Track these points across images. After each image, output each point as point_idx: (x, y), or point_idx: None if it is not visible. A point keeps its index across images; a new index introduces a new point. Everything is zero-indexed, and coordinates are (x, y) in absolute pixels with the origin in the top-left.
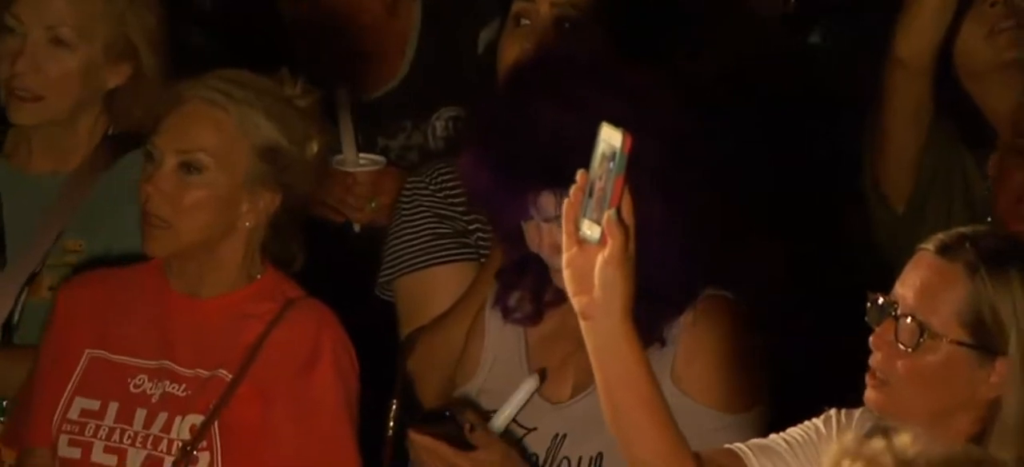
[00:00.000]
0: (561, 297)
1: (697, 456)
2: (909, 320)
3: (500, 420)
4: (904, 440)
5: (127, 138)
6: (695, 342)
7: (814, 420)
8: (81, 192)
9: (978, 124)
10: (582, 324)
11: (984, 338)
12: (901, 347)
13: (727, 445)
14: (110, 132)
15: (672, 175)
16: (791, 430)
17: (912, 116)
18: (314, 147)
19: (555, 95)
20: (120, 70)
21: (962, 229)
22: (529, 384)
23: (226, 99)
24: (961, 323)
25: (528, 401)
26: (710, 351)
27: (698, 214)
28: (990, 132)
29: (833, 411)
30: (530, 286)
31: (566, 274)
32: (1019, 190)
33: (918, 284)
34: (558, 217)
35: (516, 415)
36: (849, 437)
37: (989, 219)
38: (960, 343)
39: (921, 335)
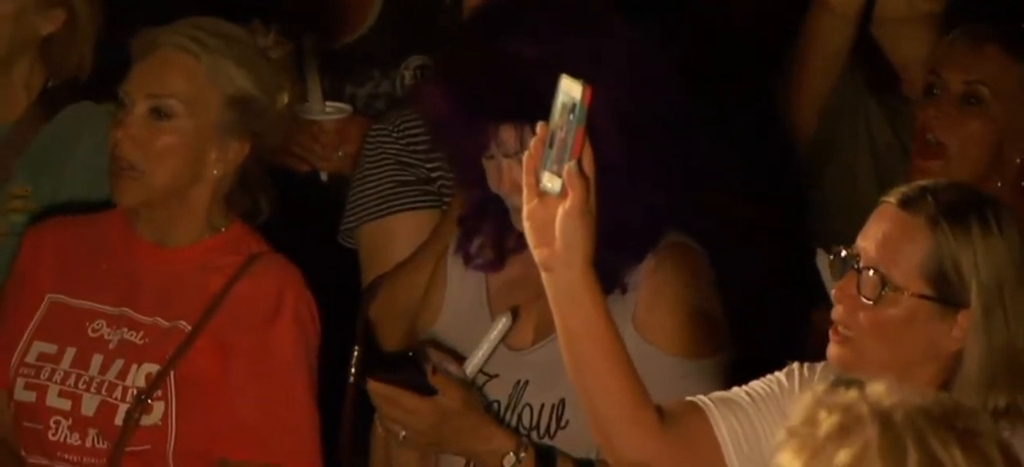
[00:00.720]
0: (523, 243)
1: (658, 408)
2: (871, 273)
3: (474, 362)
4: (878, 390)
5: (66, 90)
6: (657, 288)
7: (777, 373)
8: (24, 141)
9: (882, 71)
10: (543, 276)
11: (946, 291)
12: (863, 300)
13: (689, 398)
14: (49, 85)
15: (634, 117)
16: (754, 383)
17: (833, 61)
18: (284, 98)
19: (517, 28)
20: (53, 16)
21: (923, 182)
22: (501, 323)
23: (197, 46)
24: (923, 276)
25: (502, 341)
26: (672, 297)
27: (660, 158)
28: (893, 79)
29: (796, 364)
30: (491, 232)
31: (527, 226)
32: (918, 132)
33: (880, 237)
34: (519, 152)
35: (492, 354)
36: (820, 387)
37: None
38: (922, 296)
39: (883, 288)
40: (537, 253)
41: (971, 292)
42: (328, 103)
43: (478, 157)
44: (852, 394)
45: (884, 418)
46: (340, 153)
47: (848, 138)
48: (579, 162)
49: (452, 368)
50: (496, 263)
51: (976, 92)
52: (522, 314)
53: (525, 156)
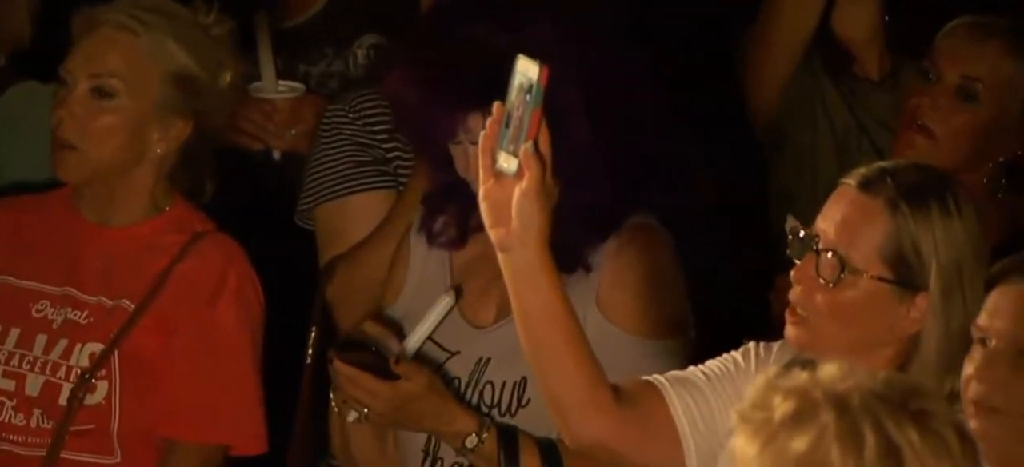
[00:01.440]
0: None
1: (615, 388)
2: (830, 255)
3: (415, 339)
4: (831, 373)
5: (12, 70)
6: (620, 268)
7: (733, 353)
8: None
9: (835, 52)
10: (499, 256)
11: (905, 274)
12: (822, 282)
13: (645, 377)
14: None
15: (601, 99)
16: (709, 363)
17: (800, 43)
18: (228, 76)
19: (487, 15)
20: None
21: (883, 163)
22: (444, 301)
23: (137, 24)
24: (882, 259)
25: (444, 318)
26: (635, 278)
27: (626, 139)
28: (847, 60)
29: (752, 344)
30: (455, 211)
31: (483, 206)
32: (908, 115)
33: (839, 219)
34: None
35: (432, 332)
36: (772, 371)
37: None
38: (881, 279)
39: (842, 270)
40: (493, 233)
41: (930, 275)
42: (281, 81)
43: (445, 143)
44: (804, 378)
45: (839, 403)
46: (293, 132)
47: (807, 120)
48: (536, 143)
49: (393, 345)
50: (459, 241)
51: (972, 88)
52: (484, 292)
53: (481, 136)
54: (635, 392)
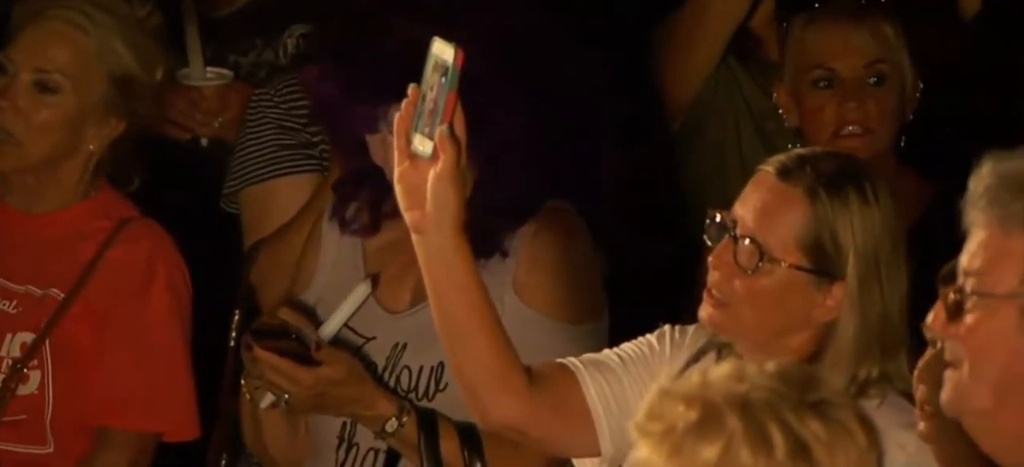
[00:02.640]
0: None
1: (528, 370)
2: (748, 242)
3: (331, 326)
4: (724, 374)
5: None
6: (537, 253)
7: (648, 336)
8: None
9: (744, 37)
10: (414, 238)
11: (822, 262)
12: (739, 268)
13: (560, 360)
14: None
15: (513, 83)
16: (625, 346)
17: (726, 37)
18: (160, 73)
19: (409, 7)
20: None
21: (802, 151)
22: (360, 289)
23: (89, 23)
24: (799, 247)
25: (361, 306)
26: (552, 262)
27: (544, 125)
28: (755, 43)
29: (667, 327)
30: (368, 197)
31: (398, 189)
32: (833, 126)
33: (758, 206)
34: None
35: (348, 320)
36: (664, 380)
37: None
38: (798, 267)
39: (760, 259)
40: (408, 216)
41: (847, 263)
42: (209, 69)
43: (363, 133)
44: (698, 383)
45: (742, 405)
46: (221, 119)
47: (727, 108)
48: (451, 125)
49: (309, 331)
50: (372, 228)
51: (879, 71)
52: (398, 278)
53: (396, 118)
54: (549, 374)
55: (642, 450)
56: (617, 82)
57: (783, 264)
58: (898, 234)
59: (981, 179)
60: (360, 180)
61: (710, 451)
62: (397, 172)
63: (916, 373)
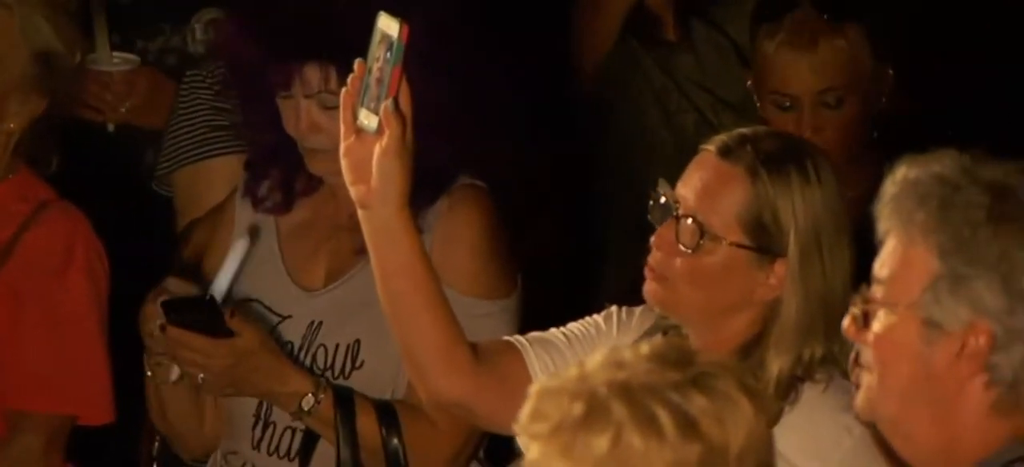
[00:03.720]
0: (312, 186)
1: (473, 347)
2: (690, 221)
3: (218, 287)
4: (600, 364)
5: None
6: (451, 230)
7: (595, 316)
8: None
9: (642, 16)
10: (359, 213)
11: (763, 240)
12: (681, 248)
13: (506, 337)
14: None
15: (434, 60)
16: (571, 325)
17: (625, 9)
18: (79, 54)
19: None
20: None
21: (743, 130)
22: (240, 244)
23: None
24: (741, 225)
25: (243, 262)
26: (467, 239)
27: (456, 101)
28: (653, 23)
29: (614, 308)
30: (280, 175)
31: (344, 163)
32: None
33: (699, 185)
34: (321, 92)
35: (234, 279)
36: (542, 380)
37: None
38: (739, 245)
39: (701, 237)
40: (353, 190)
41: (789, 241)
42: (115, 54)
43: (274, 98)
44: (575, 376)
45: (624, 392)
46: (128, 104)
47: (629, 86)
48: (396, 100)
49: (214, 292)
50: (284, 206)
51: (836, 95)
52: (313, 256)
53: (342, 93)
54: (494, 351)
55: (532, 452)
56: (532, 59)
57: (724, 242)
58: (841, 213)
59: (890, 186)
60: (272, 157)
61: (601, 442)
62: (343, 147)
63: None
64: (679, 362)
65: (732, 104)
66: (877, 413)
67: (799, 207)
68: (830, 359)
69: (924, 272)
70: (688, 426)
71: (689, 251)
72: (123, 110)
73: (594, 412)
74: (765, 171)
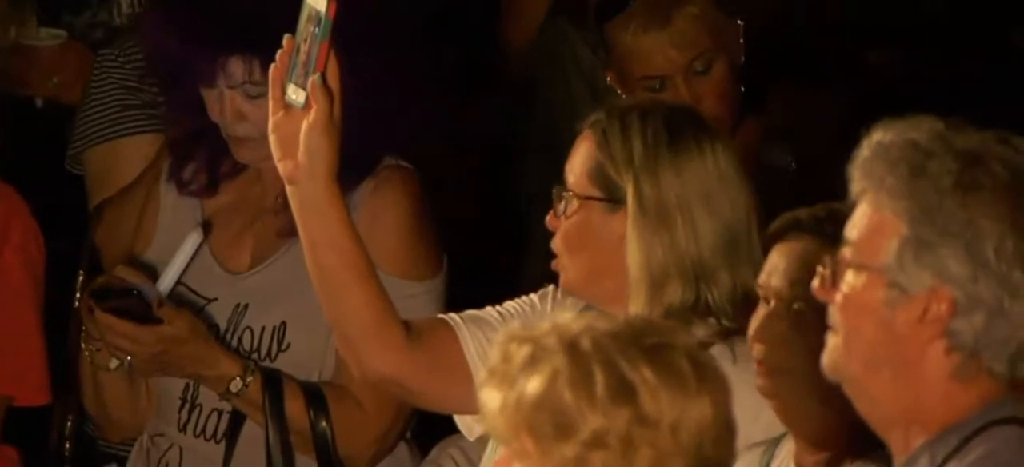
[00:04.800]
0: (238, 169)
1: (406, 324)
2: (562, 192)
3: (168, 280)
4: (566, 319)
5: None
6: (376, 210)
7: (532, 295)
8: None
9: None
10: (288, 188)
11: (610, 190)
12: (561, 220)
13: (440, 315)
14: None
15: (357, 39)
16: (507, 303)
17: None
18: (13, 31)
19: None
20: None
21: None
22: (192, 239)
23: None
24: (590, 178)
25: (194, 257)
26: (392, 219)
27: (381, 82)
28: (581, 3)
29: (551, 288)
30: (205, 157)
31: (272, 139)
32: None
33: (572, 158)
34: (245, 83)
35: (184, 271)
36: (515, 324)
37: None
38: (589, 197)
39: (563, 199)
40: (281, 166)
41: (628, 188)
42: (43, 29)
43: (197, 86)
44: (545, 326)
45: (571, 345)
46: (56, 79)
47: (558, 66)
48: (323, 75)
49: (147, 288)
50: (209, 189)
51: (704, 61)
52: (238, 239)
53: (271, 68)
54: (427, 329)
55: (484, 394)
56: (459, 39)
57: (577, 199)
58: (712, 178)
59: (863, 149)
60: (196, 140)
61: (534, 385)
62: (271, 122)
63: (751, 332)
64: (644, 332)
65: None
66: (841, 373)
67: (639, 153)
68: (704, 310)
69: (891, 236)
70: (622, 392)
71: (560, 219)
72: (51, 85)
73: (537, 358)
74: (607, 121)
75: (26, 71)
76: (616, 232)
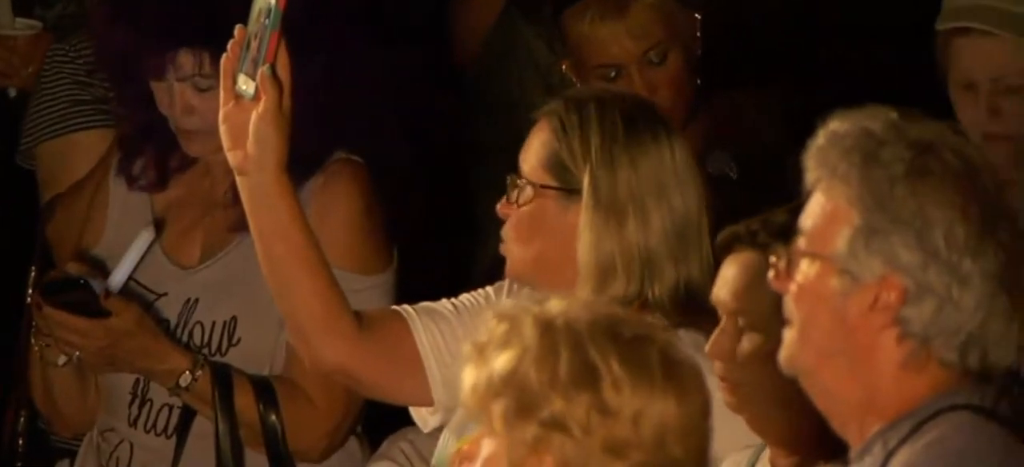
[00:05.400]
0: (187, 163)
1: (358, 315)
2: (517, 180)
3: (119, 276)
4: (552, 302)
5: None
6: (327, 205)
7: (487, 287)
8: None
9: None
10: (238, 179)
11: (565, 179)
12: (515, 208)
13: (393, 307)
14: None
15: (306, 34)
16: (462, 296)
17: None
18: None
19: None
20: None
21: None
22: (144, 236)
23: None
24: (545, 167)
25: (145, 254)
26: (343, 214)
27: (332, 77)
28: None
29: (506, 281)
30: (154, 152)
31: (222, 129)
32: None
33: (526, 146)
34: (194, 76)
35: (136, 268)
36: (506, 301)
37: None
38: (544, 185)
39: (516, 187)
40: (231, 156)
41: (584, 179)
42: (18, 18)
43: (146, 79)
44: (525, 305)
45: (544, 325)
46: (30, 69)
47: (511, 62)
48: (273, 66)
49: (97, 284)
50: (159, 184)
51: (659, 52)
52: (188, 233)
53: (222, 59)
54: (380, 320)
55: (465, 370)
56: (410, 36)
57: (531, 188)
58: (670, 171)
59: (818, 138)
60: (146, 135)
61: (503, 359)
62: (222, 113)
63: (708, 350)
64: (622, 323)
65: None
66: (797, 366)
67: (595, 143)
68: (652, 303)
69: (844, 224)
70: (586, 376)
71: (512, 207)
72: (25, 76)
73: (510, 334)
74: (564, 111)
75: (4, 60)
76: (569, 222)
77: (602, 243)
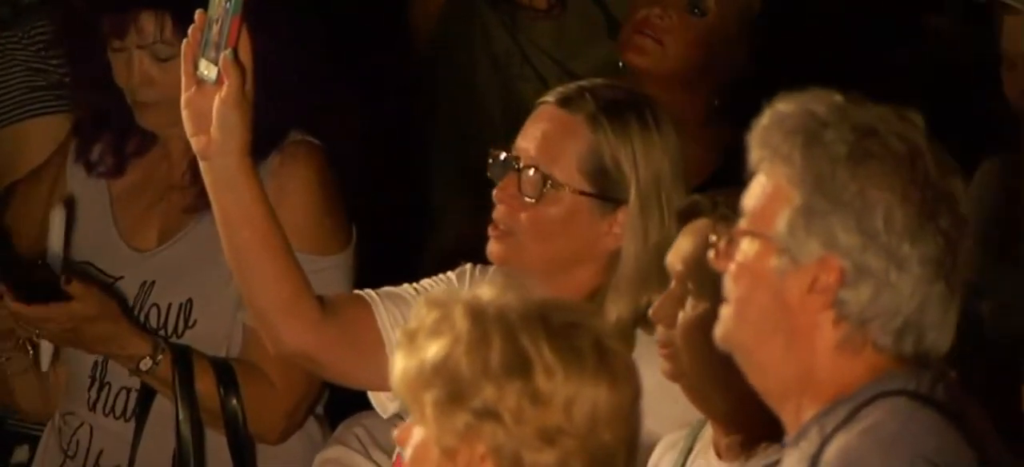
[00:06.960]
0: (145, 147)
1: (321, 299)
2: (532, 172)
3: (49, 258)
4: (483, 291)
5: None
6: (284, 185)
7: (449, 273)
8: None
9: None
10: (201, 164)
11: (606, 187)
12: (526, 199)
13: (357, 291)
14: None
15: (261, 14)
16: (424, 280)
17: None
18: None
19: None
20: None
21: (582, 82)
22: (58, 216)
23: None
24: (583, 173)
25: (63, 229)
26: (298, 194)
27: (288, 57)
28: None
29: (468, 265)
30: (111, 138)
31: (185, 114)
32: (638, 24)
33: (540, 136)
34: (155, 43)
35: (61, 249)
36: (434, 291)
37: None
38: (582, 192)
39: (545, 186)
40: (194, 141)
41: (630, 188)
42: None
43: (104, 54)
44: (461, 295)
45: (475, 313)
46: None
47: (465, 44)
48: (235, 50)
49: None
50: (116, 169)
51: (702, 4)
52: (145, 217)
53: (183, 44)
54: (342, 304)
55: (395, 357)
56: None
57: (567, 190)
58: (678, 161)
59: (762, 118)
60: (103, 119)
61: (434, 347)
62: (184, 98)
63: (651, 313)
64: (553, 310)
65: (581, 78)
66: (732, 341)
67: (640, 154)
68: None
69: (784, 205)
70: (518, 364)
71: (533, 201)
72: None
73: (441, 322)
74: (605, 119)
75: None
76: (603, 229)
77: (648, 251)
